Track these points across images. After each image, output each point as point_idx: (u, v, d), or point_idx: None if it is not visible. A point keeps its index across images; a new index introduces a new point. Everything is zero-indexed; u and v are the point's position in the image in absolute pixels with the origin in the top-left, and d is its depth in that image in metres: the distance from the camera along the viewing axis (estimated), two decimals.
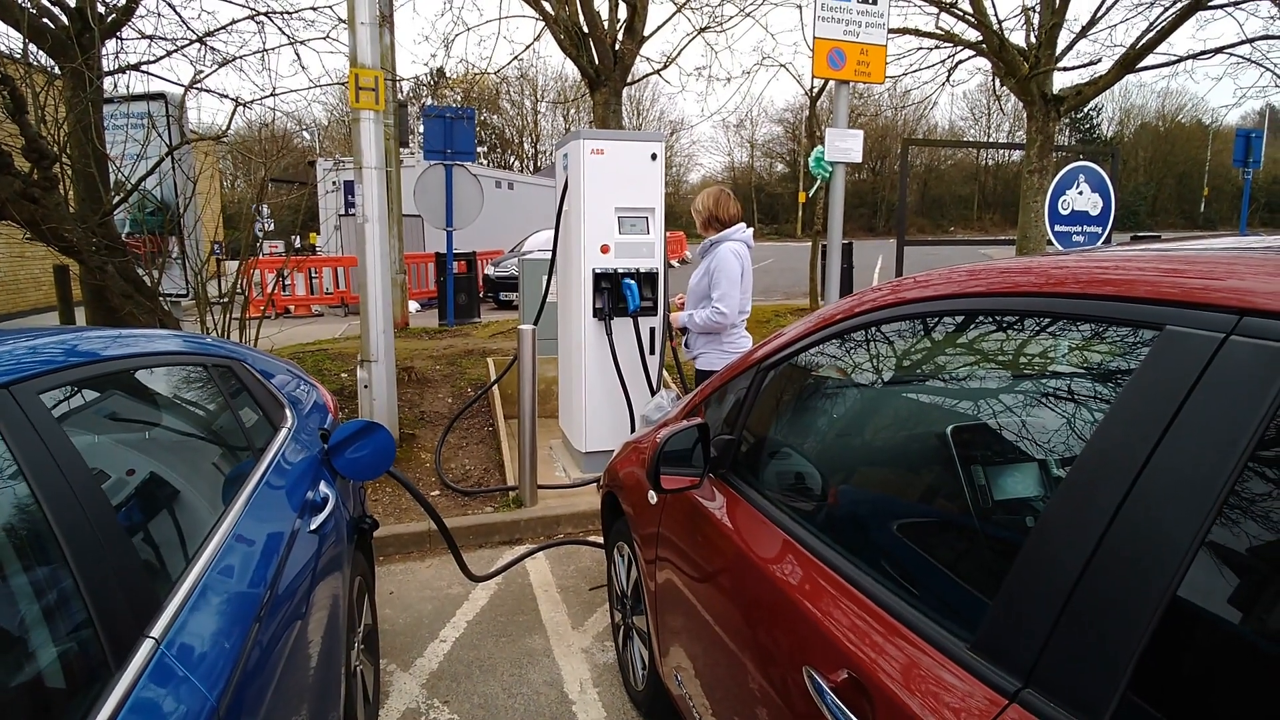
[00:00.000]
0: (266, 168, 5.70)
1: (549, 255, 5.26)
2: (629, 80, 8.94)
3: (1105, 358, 1.08)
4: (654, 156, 4.63)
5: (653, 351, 4.70)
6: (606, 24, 8.26)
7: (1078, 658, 0.89)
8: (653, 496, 2.36)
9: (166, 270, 5.61)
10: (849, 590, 1.31)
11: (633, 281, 4.55)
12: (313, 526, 2.03)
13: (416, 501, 2.94)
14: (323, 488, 2.25)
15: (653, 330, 4.71)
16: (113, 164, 5.32)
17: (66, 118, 4.91)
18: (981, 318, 1.32)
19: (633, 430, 4.54)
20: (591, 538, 4.13)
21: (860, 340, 1.64)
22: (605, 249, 4.53)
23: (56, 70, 5.10)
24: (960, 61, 10.71)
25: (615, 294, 4.57)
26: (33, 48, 4.97)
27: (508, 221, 20.77)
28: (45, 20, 5.04)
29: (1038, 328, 1.21)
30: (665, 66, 10.19)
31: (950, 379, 1.44)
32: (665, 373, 5.03)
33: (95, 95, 4.97)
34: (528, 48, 10.05)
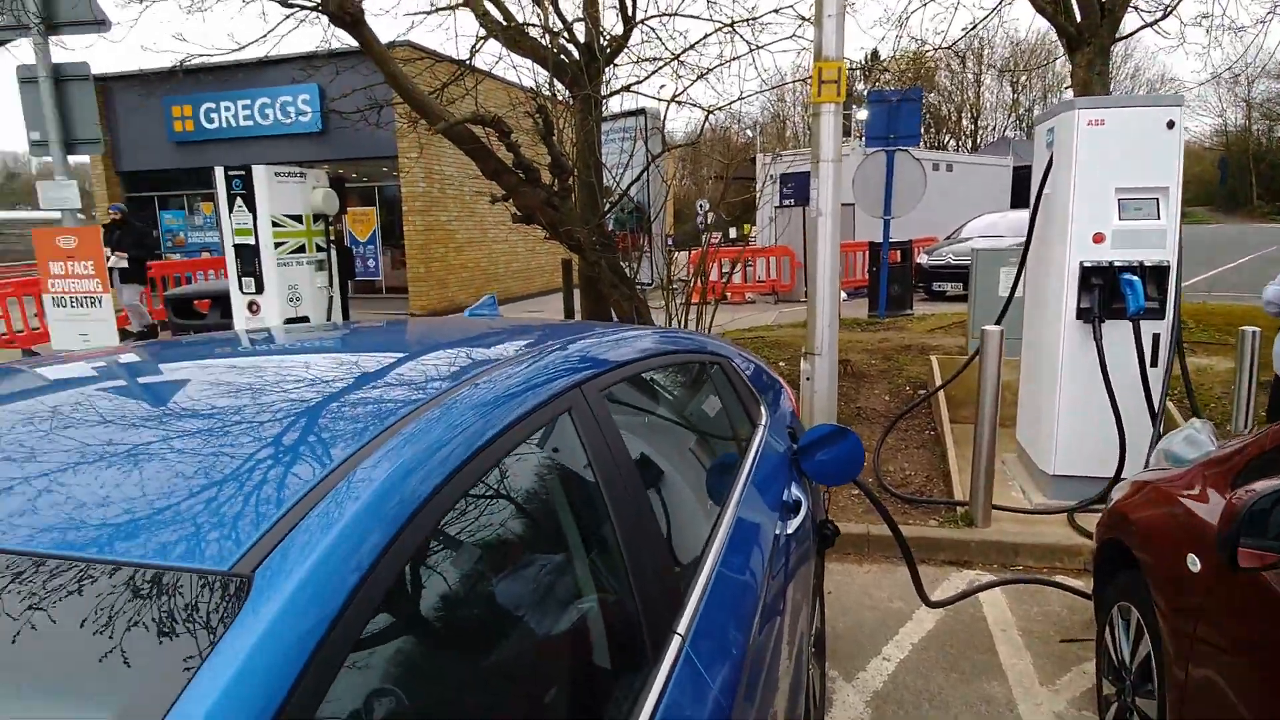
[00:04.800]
0: (729, 169, 6.10)
1: (996, 242, 4.67)
2: (1116, 36, 7.49)
3: None
4: (1171, 124, 3.78)
5: (1154, 364, 3.84)
6: None
7: None
8: (1194, 563, 1.86)
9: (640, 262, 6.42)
10: None
11: (1134, 277, 3.76)
12: (790, 529, 2.03)
13: (878, 513, 2.83)
14: (794, 489, 2.25)
15: (1156, 337, 3.85)
16: (607, 172, 6.24)
17: (577, 137, 5.88)
18: None
19: (1123, 462, 3.77)
20: (1060, 577, 3.55)
21: None
22: (1099, 238, 3.82)
23: (569, 97, 6.15)
24: None
25: (1109, 291, 3.83)
26: (549, 78, 6.04)
27: (943, 206, 19.39)
28: (562, 56, 6.10)
29: None
30: (1164, 17, 8.28)
31: None
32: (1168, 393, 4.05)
33: (598, 116, 5.87)
34: (993, 12, 8.97)
